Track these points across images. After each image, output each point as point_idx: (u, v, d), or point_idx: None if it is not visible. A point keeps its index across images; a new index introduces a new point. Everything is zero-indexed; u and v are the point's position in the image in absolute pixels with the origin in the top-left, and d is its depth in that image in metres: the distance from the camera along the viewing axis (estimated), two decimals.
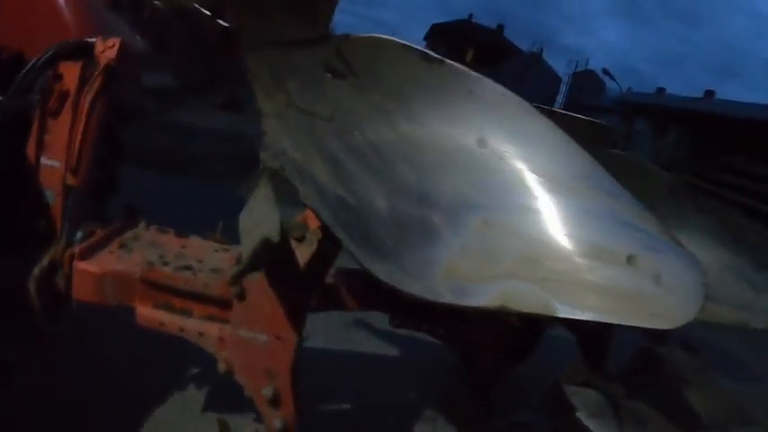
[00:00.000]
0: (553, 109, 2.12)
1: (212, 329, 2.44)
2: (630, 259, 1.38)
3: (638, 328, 1.41)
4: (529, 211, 1.46)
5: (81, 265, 2.52)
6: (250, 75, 1.92)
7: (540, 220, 1.46)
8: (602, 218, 1.41)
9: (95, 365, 3.61)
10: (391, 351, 4.62)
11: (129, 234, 2.83)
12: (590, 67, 45.09)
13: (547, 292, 1.41)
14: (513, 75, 45.94)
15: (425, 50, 1.53)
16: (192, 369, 3.79)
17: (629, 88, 38.18)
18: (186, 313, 2.49)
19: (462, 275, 1.47)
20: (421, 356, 3.97)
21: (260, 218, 1.92)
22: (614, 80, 38.85)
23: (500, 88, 1.49)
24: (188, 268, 2.50)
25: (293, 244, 2.24)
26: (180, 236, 2.91)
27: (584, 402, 3.54)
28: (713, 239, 2.14)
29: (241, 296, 2.25)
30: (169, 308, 2.48)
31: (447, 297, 1.46)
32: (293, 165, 1.79)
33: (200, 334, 2.45)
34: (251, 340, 2.27)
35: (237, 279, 2.18)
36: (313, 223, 2.30)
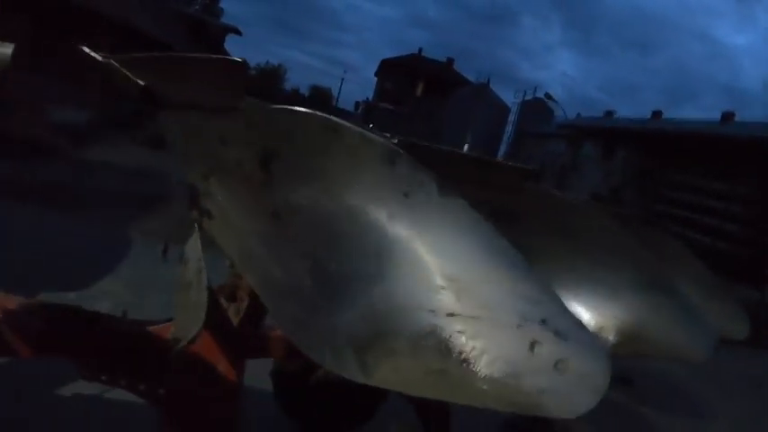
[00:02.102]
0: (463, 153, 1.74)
1: None
2: None
3: None
4: None
5: None
6: (169, 135, 1.86)
7: None
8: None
9: None
10: None
11: None
12: (538, 95, 45.02)
13: None
14: (460, 105, 46.15)
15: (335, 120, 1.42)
16: None
17: (579, 114, 38.25)
18: None
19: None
20: None
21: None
22: (556, 102, 39.06)
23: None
24: None
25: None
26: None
27: None
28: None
29: None
30: None
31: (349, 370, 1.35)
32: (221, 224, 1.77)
33: None
34: None
35: None
36: None
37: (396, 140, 1.70)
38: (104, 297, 5.42)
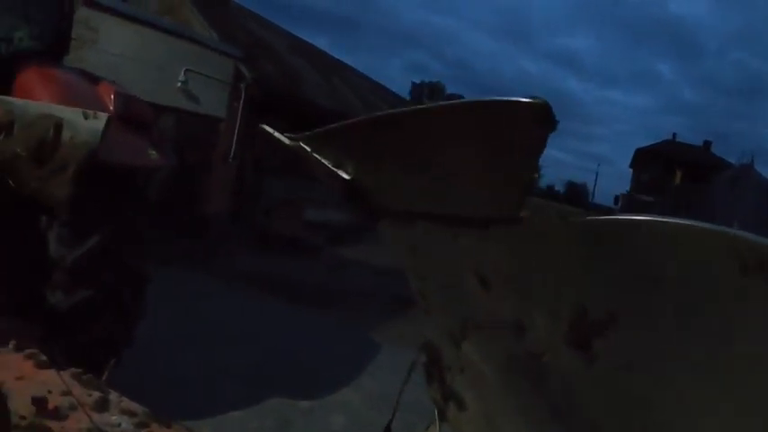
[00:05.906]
0: None
1: None
2: None
3: None
4: None
5: None
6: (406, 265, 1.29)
7: None
8: None
9: None
10: None
11: None
12: None
13: None
14: (723, 190, 43.41)
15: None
16: None
17: None
18: None
19: None
20: None
21: None
22: None
23: None
24: None
25: None
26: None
27: None
28: None
29: None
30: None
31: None
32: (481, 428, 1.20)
33: None
34: None
35: None
36: None
37: None
38: (339, 410, 5.14)
